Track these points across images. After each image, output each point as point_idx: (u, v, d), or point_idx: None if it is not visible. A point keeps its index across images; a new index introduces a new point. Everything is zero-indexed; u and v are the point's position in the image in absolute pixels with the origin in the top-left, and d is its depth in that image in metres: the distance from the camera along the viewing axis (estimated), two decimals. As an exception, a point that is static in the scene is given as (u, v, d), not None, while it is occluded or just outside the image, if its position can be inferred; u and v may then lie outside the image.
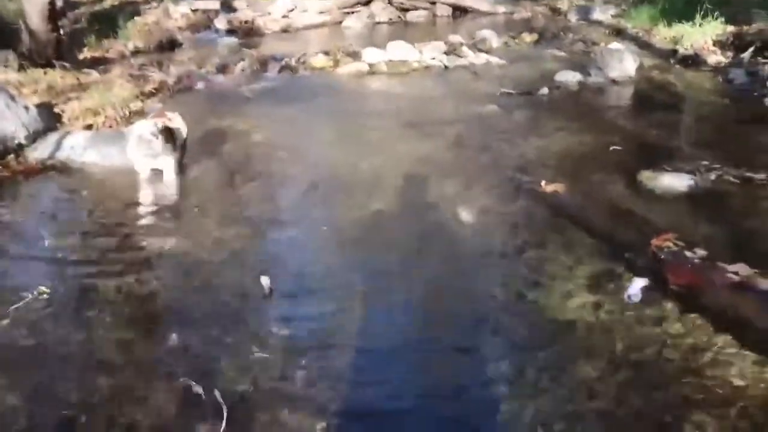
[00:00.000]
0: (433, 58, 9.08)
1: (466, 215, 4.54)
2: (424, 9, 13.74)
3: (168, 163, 5.30)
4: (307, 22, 13.05)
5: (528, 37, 10.73)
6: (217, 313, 3.46)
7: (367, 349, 3.14)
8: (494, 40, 10.40)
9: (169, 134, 5.25)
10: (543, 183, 4.88)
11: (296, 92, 7.95)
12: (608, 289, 3.54)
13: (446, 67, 8.96)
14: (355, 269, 3.87)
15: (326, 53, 9.38)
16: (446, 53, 9.28)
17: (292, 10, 13.26)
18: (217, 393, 2.77)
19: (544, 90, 7.57)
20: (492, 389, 2.83)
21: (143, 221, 4.69)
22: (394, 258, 4.02)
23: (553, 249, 4.02)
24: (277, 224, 4.58)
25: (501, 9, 13.87)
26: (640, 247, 3.88)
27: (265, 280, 3.65)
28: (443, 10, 13.77)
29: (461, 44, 9.75)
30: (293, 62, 9.16)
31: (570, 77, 7.95)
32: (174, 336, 3.23)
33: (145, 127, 5.23)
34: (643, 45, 9.77)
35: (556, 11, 13.64)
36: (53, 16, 8.58)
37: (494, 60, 9.24)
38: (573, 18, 12.76)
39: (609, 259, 3.84)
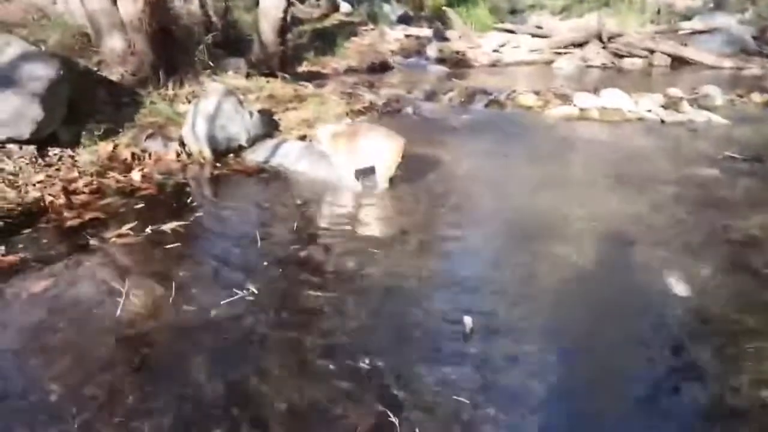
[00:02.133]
0: (649, 110, 8.54)
1: (676, 287, 4.10)
2: (640, 57, 13.10)
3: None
4: (517, 59, 12.96)
5: (758, 97, 9.80)
6: (411, 344, 3.38)
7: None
8: (718, 97, 9.63)
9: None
10: (774, 262, 4.33)
11: (503, 129, 7.82)
12: None
13: (663, 121, 8.38)
14: (549, 329, 3.63)
15: (536, 92, 9.16)
16: (663, 106, 8.70)
17: (503, 45, 13.23)
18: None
19: (776, 158, 6.83)
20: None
21: (343, 236, 4.76)
22: (589, 321, 3.71)
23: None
24: (475, 263, 4.44)
25: (727, 63, 12.86)
26: None
27: (468, 320, 3.52)
28: (661, 60, 13.03)
29: (680, 98, 9.12)
30: (502, 98, 9.04)
31: (808, 147, 7.13)
32: (366, 360, 3.19)
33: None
34: None
35: (793, 71, 12.43)
36: (283, 30, 9.15)
37: (717, 119, 8.52)
38: (814, 80, 11.58)
39: None
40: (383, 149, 5.39)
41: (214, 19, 9.70)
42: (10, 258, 4.19)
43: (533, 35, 13.77)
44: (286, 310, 3.69)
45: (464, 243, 4.71)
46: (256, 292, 3.81)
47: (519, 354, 3.31)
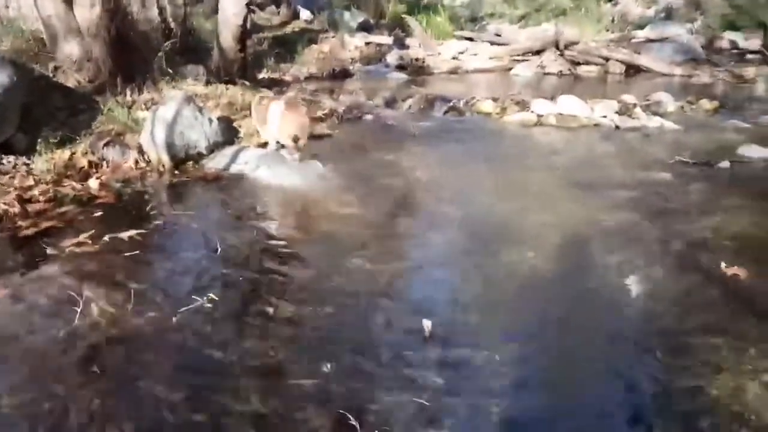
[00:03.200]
0: (604, 117, 8.74)
1: (630, 287, 4.22)
2: (596, 64, 13.38)
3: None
4: (476, 66, 13.13)
5: (708, 104, 10.08)
6: (373, 349, 3.42)
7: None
8: (670, 104, 9.88)
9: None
10: (723, 264, 4.48)
11: (462, 135, 7.93)
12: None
13: (617, 127, 8.57)
14: (504, 326, 3.70)
15: (494, 99, 9.29)
16: (618, 113, 8.90)
17: (462, 53, 13.40)
18: None
19: (725, 163, 7.02)
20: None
21: (301, 243, 4.78)
22: (543, 321, 3.80)
23: (730, 337, 3.63)
24: (432, 265, 4.51)
25: (678, 71, 13.21)
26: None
27: (426, 323, 3.57)
28: (616, 67, 13.31)
29: (634, 105, 9.34)
30: (461, 104, 9.16)
31: (755, 152, 7.35)
32: (327, 365, 3.21)
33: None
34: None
35: (740, 78, 12.79)
36: (243, 38, 9.13)
37: (669, 125, 8.75)
38: (761, 87, 11.94)
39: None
40: (285, 119, 6.00)
41: (173, 25, 9.63)
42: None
43: (492, 43, 13.96)
44: (246, 317, 3.71)
45: (422, 248, 4.77)
46: (215, 299, 3.80)
47: (476, 356, 3.37)
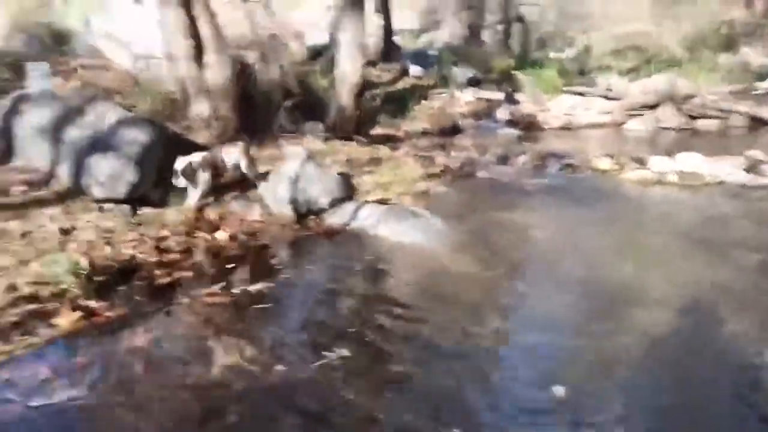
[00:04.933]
0: (729, 174, 8.37)
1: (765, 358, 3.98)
2: (717, 118, 12.86)
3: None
4: (588, 121, 12.96)
5: (844, 162, 9.46)
6: (498, 412, 3.38)
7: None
8: (801, 161, 9.35)
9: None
10: None
11: (578, 193, 7.79)
12: None
13: (744, 185, 8.18)
14: (634, 399, 3.56)
15: (610, 156, 9.11)
16: (745, 170, 8.51)
17: (573, 108, 13.27)
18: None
19: None
20: None
21: (426, 302, 4.80)
22: (674, 396, 3.63)
23: None
24: (555, 329, 4.42)
25: (810, 123, 12.50)
26: None
27: (558, 390, 3.50)
28: (738, 121, 12.75)
29: (761, 161, 8.90)
30: (575, 161, 9.03)
31: None
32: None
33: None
34: None
35: None
36: (359, 94, 9.44)
37: (803, 183, 8.27)
38: None
39: None
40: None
41: (292, 84, 10.07)
42: (113, 312, 4.40)
43: (605, 97, 13.75)
44: (374, 375, 3.75)
45: (544, 310, 4.69)
46: (346, 355, 3.87)
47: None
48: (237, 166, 6.69)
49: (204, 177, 6.29)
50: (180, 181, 6.16)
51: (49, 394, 3.52)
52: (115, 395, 3.53)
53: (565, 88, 14.96)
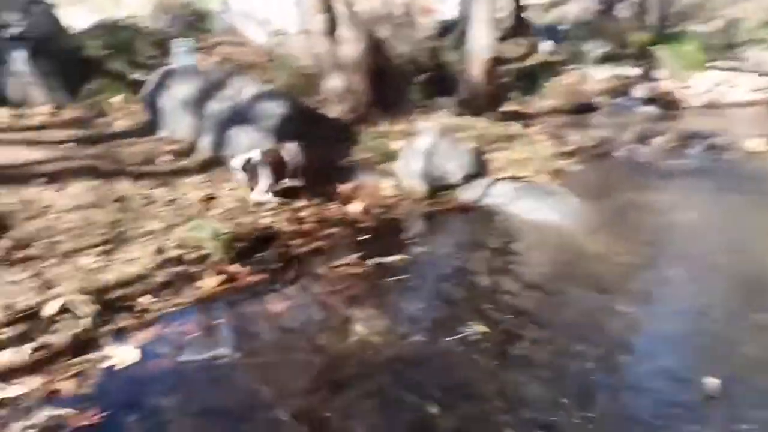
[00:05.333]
0: None
1: None
2: None
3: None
4: (735, 99, 12.07)
5: None
6: (639, 401, 3.20)
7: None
8: None
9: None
10: None
11: (724, 175, 7.22)
12: None
13: None
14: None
15: (761, 136, 8.41)
16: None
17: (718, 85, 12.39)
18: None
19: None
20: None
21: (564, 282, 4.63)
22: None
23: None
24: (705, 319, 4.11)
25: None
26: None
27: (711, 382, 3.26)
28: None
29: None
30: (721, 142, 8.42)
31: None
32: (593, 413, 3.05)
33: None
34: None
35: None
36: (491, 71, 9.24)
37: None
38: None
39: None
40: None
41: (424, 59, 10.01)
42: (253, 278, 4.55)
43: (755, 73, 12.73)
44: (509, 353, 3.66)
45: (692, 297, 4.39)
46: (485, 330, 3.80)
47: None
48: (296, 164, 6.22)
49: (265, 172, 5.88)
50: (238, 176, 5.89)
51: (196, 351, 3.67)
52: (254, 357, 3.65)
53: (708, 64, 14.00)
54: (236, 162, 5.79)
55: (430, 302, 4.35)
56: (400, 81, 8.82)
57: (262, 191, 5.87)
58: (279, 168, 6.01)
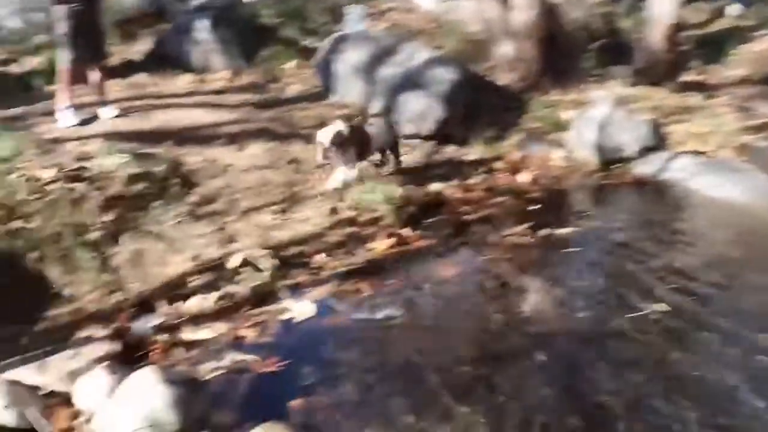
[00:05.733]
0: None
1: None
2: None
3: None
4: None
5: None
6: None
7: None
8: None
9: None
10: None
11: None
12: None
13: None
14: None
15: None
16: None
17: None
18: None
19: None
20: None
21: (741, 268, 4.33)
22: None
23: None
24: None
25: None
26: None
27: None
28: None
29: None
30: None
31: None
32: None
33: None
34: None
35: None
36: (673, 37, 8.67)
37: None
38: None
39: None
40: None
41: (597, 25, 9.58)
42: (423, 242, 4.65)
43: None
44: (694, 341, 3.49)
45: None
46: (667, 309, 3.64)
47: None
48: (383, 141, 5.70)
49: (351, 150, 5.19)
50: (320, 157, 5.12)
51: (369, 311, 3.81)
52: (423, 320, 3.74)
53: None
54: (323, 135, 5.05)
55: (601, 277, 4.23)
56: (572, 48, 8.50)
57: (339, 177, 5.18)
58: (363, 146, 5.41)
